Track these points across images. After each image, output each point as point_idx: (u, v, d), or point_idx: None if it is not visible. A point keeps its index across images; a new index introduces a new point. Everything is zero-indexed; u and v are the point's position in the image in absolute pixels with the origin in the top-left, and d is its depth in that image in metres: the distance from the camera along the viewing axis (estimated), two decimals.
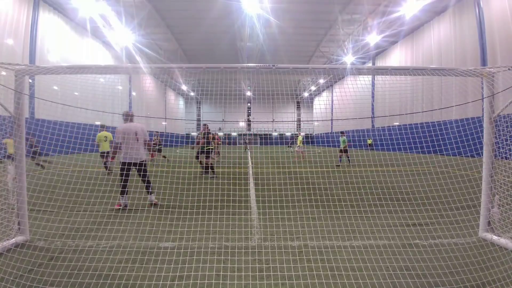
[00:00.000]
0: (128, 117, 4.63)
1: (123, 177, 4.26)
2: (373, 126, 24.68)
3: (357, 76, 3.97)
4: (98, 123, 8.48)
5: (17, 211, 2.87)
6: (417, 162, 4.67)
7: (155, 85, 34.78)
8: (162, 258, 2.60)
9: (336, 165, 10.72)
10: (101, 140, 8.07)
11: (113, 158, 4.78)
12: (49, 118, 3.51)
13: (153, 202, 4.52)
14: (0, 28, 14.21)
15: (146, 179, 4.43)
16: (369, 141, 25.38)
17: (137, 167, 4.36)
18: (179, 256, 2.63)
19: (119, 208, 4.24)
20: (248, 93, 38.89)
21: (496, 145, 2.93)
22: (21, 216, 2.87)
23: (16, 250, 2.73)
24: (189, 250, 2.79)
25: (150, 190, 4.51)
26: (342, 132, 12.03)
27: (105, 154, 7.97)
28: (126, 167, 4.22)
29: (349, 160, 11.54)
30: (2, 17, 14.36)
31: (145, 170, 4.39)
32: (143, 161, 4.39)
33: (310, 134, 47.19)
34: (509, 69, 2.71)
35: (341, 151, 11.47)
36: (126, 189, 4.31)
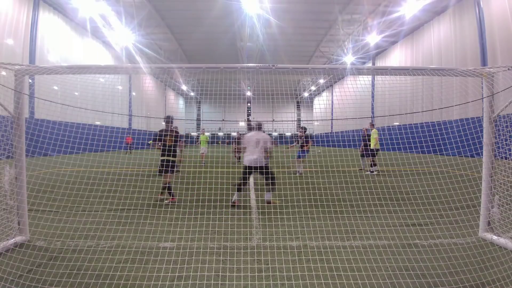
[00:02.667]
0: (252, 125, 5.27)
1: (243, 179, 4.75)
2: (372, 126, 24.70)
3: (357, 76, 3.98)
4: (98, 122, 8.46)
5: (17, 211, 2.87)
6: (417, 162, 4.67)
7: (155, 85, 34.78)
8: (162, 258, 2.60)
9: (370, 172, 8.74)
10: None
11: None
12: (48, 118, 3.52)
13: (267, 200, 4.65)
14: (0, 28, 14.19)
15: (270, 181, 4.65)
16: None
17: (259, 171, 4.75)
18: (179, 256, 2.63)
19: (234, 205, 4.57)
20: (248, 93, 38.87)
21: (496, 145, 2.93)
22: (20, 216, 2.87)
23: (16, 250, 2.73)
24: (188, 250, 2.79)
25: (270, 187, 4.69)
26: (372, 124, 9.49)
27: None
28: (247, 170, 4.75)
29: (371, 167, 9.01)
30: (2, 17, 14.33)
31: (267, 173, 4.63)
32: (264, 165, 4.70)
33: (310, 134, 47.16)
34: (509, 69, 2.70)
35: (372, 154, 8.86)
36: (242, 187, 4.75)
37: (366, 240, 3.10)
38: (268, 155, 4.95)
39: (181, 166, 9.07)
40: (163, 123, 5.30)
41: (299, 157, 8.99)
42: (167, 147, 4.90)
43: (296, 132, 7.60)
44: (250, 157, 4.71)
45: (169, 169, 4.84)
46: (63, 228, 3.26)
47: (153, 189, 5.14)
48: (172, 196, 4.93)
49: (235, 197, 4.65)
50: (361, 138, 9.57)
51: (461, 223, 3.14)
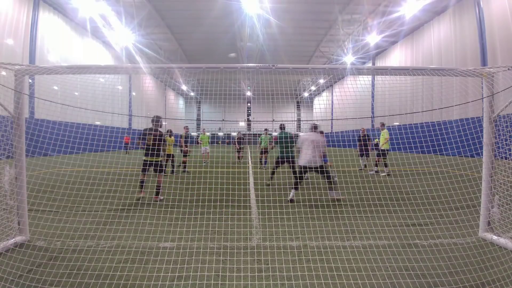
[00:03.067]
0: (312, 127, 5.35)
1: (299, 177, 5.04)
2: (372, 126, 24.75)
3: (357, 76, 3.98)
4: (97, 122, 8.47)
5: (17, 211, 2.87)
6: (417, 162, 4.67)
7: (155, 85, 34.77)
8: (162, 258, 2.60)
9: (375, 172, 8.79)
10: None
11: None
12: (48, 118, 3.53)
13: (335, 197, 4.79)
14: (0, 28, 14.19)
15: (330, 180, 4.89)
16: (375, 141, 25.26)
17: (314, 170, 4.96)
18: (179, 256, 2.63)
19: (289, 199, 4.91)
20: (248, 93, 38.87)
21: (496, 145, 2.93)
22: (20, 216, 2.87)
23: (16, 250, 2.73)
24: (188, 250, 2.79)
25: (332, 186, 4.87)
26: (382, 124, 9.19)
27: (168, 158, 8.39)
28: (302, 170, 5.00)
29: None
30: (2, 17, 14.33)
31: (323, 172, 4.88)
32: (319, 165, 4.89)
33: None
34: (509, 69, 2.70)
35: (381, 154, 8.69)
36: (299, 186, 5.04)
37: (366, 240, 3.10)
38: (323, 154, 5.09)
39: (182, 167, 9.10)
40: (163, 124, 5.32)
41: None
42: (150, 147, 4.88)
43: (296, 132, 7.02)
44: (307, 157, 4.86)
45: (152, 168, 4.92)
46: (63, 228, 3.26)
47: (153, 189, 5.13)
48: (142, 191, 4.92)
49: (292, 195, 4.90)
50: (360, 138, 9.56)
51: (461, 223, 3.14)
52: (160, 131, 5.13)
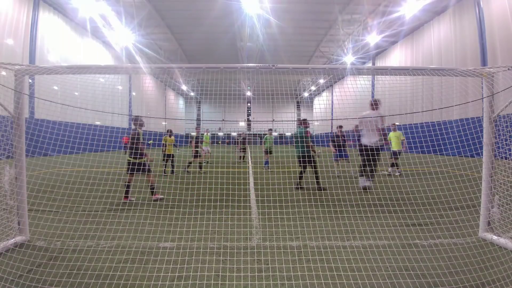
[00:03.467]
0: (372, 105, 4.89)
1: (363, 161, 4.71)
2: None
3: (357, 76, 3.98)
4: (98, 123, 8.49)
5: (17, 211, 2.87)
6: (417, 162, 4.67)
7: (155, 85, 34.76)
8: (162, 258, 2.60)
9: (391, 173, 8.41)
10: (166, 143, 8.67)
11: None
12: (48, 118, 3.55)
13: (368, 186, 4.65)
14: (0, 28, 14.19)
15: (375, 167, 4.68)
16: None
17: (370, 152, 4.57)
18: (179, 256, 2.63)
19: (364, 187, 4.82)
20: (248, 93, 38.87)
21: (496, 145, 2.93)
22: (20, 216, 2.87)
23: (16, 250, 2.73)
24: (188, 250, 2.79)
25: (370, 177, 4.66)
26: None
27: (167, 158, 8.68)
28: (364, 151, 4.64)
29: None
30: (2, 17, 14.33)
31: (374, 159, 4.55)
32: (378, 147, 4.58)
33: (311, 134, 47.13)
34: (509, 69, 2.70)
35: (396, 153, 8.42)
36: (368, 169, 4.71)
37: (366, 240, 3.10)
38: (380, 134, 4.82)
39: (198, 167, 9.23)
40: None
41: (337, 158, 8.40)
42: (132, 148, 4.86)
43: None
44: (368, 138, 4.70)
45: (136, 167, 4.81)
46: (63, 228, 3.26)
47: (153, 189, 5.14)
48: (126, 196, 4.80)
49: (364, 183, 4.70)
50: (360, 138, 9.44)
51: (461, 223, 3.14)
52: (137, 132, 5.06)
